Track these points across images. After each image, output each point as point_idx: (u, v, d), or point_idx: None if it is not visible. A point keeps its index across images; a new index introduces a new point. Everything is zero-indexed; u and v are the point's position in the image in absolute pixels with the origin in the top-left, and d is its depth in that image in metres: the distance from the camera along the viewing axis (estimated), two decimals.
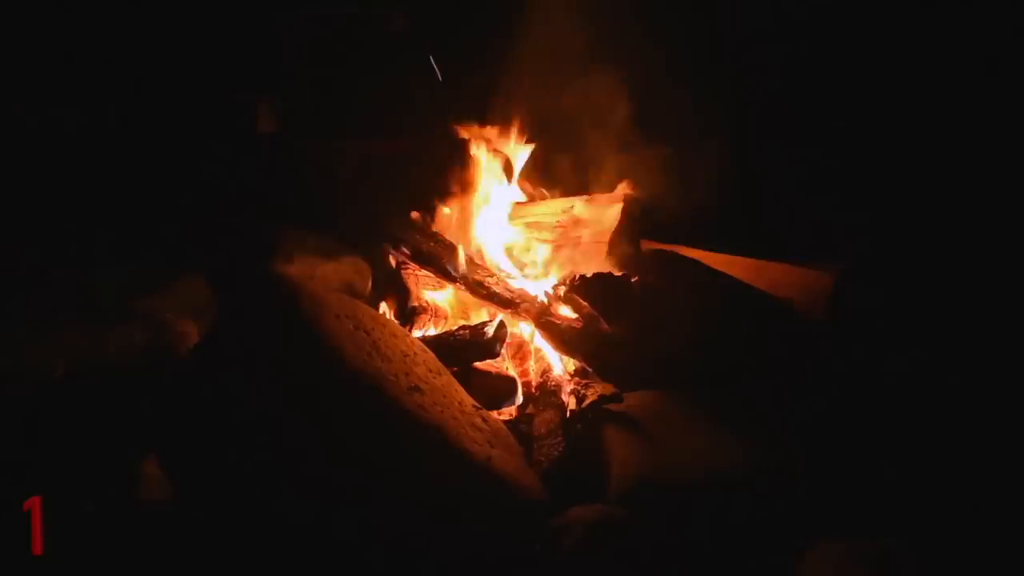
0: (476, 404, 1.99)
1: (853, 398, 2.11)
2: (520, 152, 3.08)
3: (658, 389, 2.18)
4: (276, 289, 2.38)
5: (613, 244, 2.62)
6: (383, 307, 2.72)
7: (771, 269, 2.54)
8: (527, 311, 2.45)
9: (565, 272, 2.58)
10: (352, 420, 1.61)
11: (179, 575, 1.63)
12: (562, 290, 2.40)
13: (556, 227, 2.77)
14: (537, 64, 3.02)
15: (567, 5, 2.99)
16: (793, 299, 2.45)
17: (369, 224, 2.88)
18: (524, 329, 2.59)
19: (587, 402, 2.08)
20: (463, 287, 2.61)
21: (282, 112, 3.56)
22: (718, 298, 2.47)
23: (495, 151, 3.00)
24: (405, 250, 2.71)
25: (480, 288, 2.58)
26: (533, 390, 2.39)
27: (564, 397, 2.22)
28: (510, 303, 2.51)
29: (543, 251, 2.77)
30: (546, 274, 2.72)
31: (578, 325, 2.35)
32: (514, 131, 3.04)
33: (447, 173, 2.91)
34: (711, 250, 2.66)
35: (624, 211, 2.69)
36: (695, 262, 2.63)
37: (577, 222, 2.76)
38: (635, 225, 2.73)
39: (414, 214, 2.83)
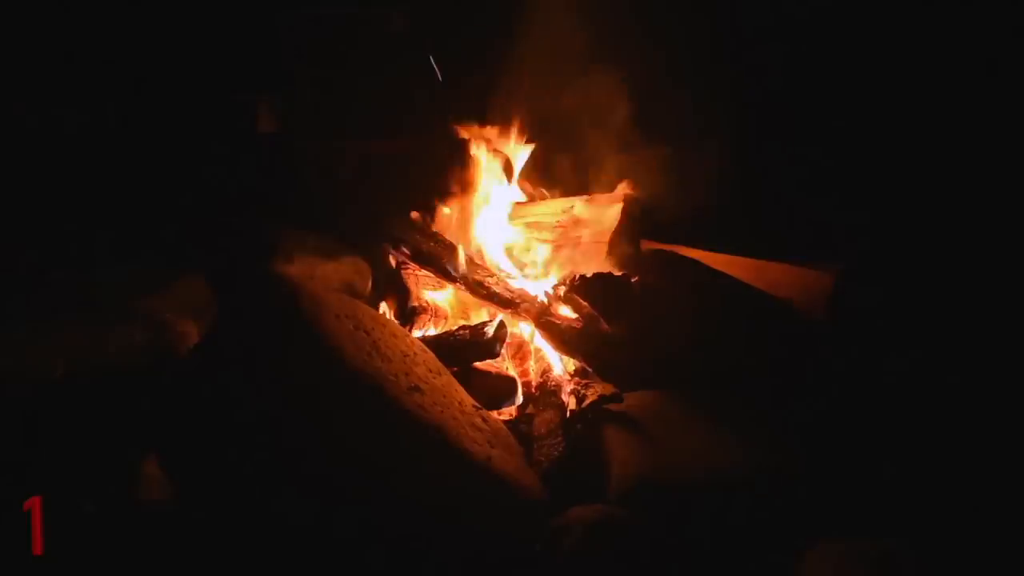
0: (476, 404, 1.99)
1: (853, 398, 2.11)
2: (520, 152, 3.08)
3: (658, 389, 2.18)
4: (276, 289, 2.39)
5: (613, 244, 2.62)
6: (383, 307, 2.72)
7: (771, 269, 2.54)
8: (527, 311, 2.45)
9: (565, 272, 2.58)
10: (352, 420, 1.61)
11: (179, 575, 1.63)
12: (562, 290, 2.40)
13: (556, 227, 2.77)
14: (537, 64, 3.02)
15: (567, 5, 3.00)
16: (793, 299, 2.45)
17: (369, 224, 2.88)
18: (524, 329, 2.59)
19: (587, 402, 2.08)
20: (463, 287, 2.61)
21: (282, 112, 3.56)
22: (718, 298, 2.47)
23: (495, 151, 3.00)
24: (405, 250, 2.71)
25: (480, 288, 2.58)
26: (533, 390, 2.39)
27: (564, 397, 2.22)
28: (510, 303, 2.51)
29: (543, 251, 2.77)
30: (546, 274, 2.72)
31: (578, 325, 2.35)
32: (514, 131, 3.04)
33: (447, 173, 2.90)
34: (711, 250, 2.66)
35: (624, 211, 2.69)
36: (695, 262, 2.63)
37: (577, 222, 2.76)
38: (635, 225, 2.73)
39: (414, 214, 2.83)
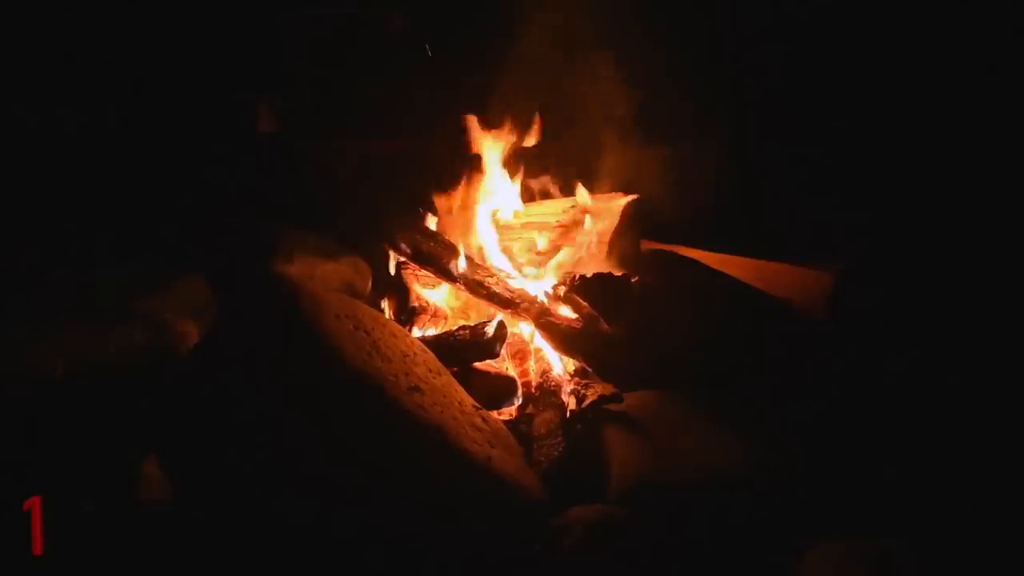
0: (476, 404, 1.99)
1: (853, 398, 2.11)
2: (520, 152, 3.07)
3: (658, 389, 2.18)
4: (276, 289, 2.39)
5: (613, 244, 2.62)
6: (383, 307, 2.72)
7: (771, 269, 2.54)
8: (527, 311, 2.45)
9: (565, 272, 2.58)
10: (352, 420, 1.61)
11: (179, 575, 1.63)
12: (562, 290, 2.40)
13: (556, 227, 2.77)
14: (537, 64, 3.02)
15: (567, 5, 3.00)
16: (793, 299, 2.45)
17: (369, 224, 2.88)
18: (524, 329, 2.59)
19: (587, 402, 2.08)
20: (463, 287, 2.61)
21: (282, 112, 3.56)
22: (718, 298, 2.48)
23: (495, 151, 2.99)
24: (405, 250, 2.71)
25: (480, 288, 2.58)
26: (533, 390, 2.39)
27: (564, 397, 2.22)
28: (510, 303, 2.51)
29: (543, 251, 2.77)
30: (546, 274, 2.72)
31: (578, 325, 2.35)
32: (514, 131, 3.04)
33: (447, 173, 2.90)
34: (711, 250, 2.66)
35: (624, 211, 2.69)
36: (695, 262, 2.63)
37: (577, 222, 2.76)
38: (635, 225, 2.73)
39: (420, 212, 2.83)
